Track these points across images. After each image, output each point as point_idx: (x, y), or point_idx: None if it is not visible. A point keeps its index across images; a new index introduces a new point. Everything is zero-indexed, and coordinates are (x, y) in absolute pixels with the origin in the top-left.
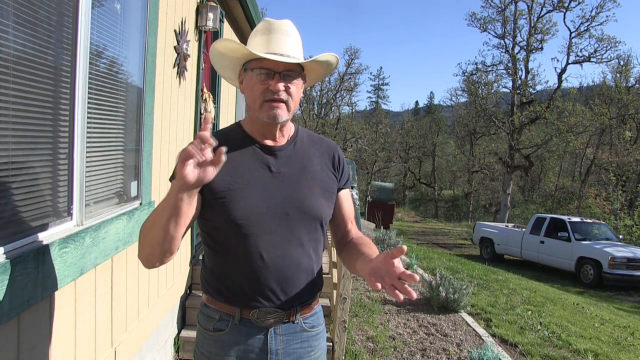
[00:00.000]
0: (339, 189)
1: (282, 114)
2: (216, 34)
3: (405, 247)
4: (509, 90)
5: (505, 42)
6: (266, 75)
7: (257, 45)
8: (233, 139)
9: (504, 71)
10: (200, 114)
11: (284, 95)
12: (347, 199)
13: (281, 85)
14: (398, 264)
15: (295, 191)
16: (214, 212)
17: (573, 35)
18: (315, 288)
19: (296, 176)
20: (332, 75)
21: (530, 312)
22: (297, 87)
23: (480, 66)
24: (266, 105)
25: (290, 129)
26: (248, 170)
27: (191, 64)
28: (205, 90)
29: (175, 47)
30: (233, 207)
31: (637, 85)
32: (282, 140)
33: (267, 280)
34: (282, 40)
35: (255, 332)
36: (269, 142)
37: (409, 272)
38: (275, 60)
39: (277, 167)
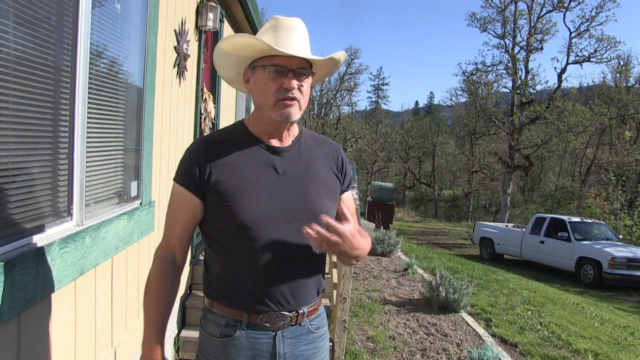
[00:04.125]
0: (342, 191)
1: (295, 112)
2: (216, 34)
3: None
4: (509, 90)
5: (505, 42)
6: (279, 72)
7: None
8: (236, 138)
9: (504, 71)
10: (200, 114)
11: (297, 94)
12: (349, 200)
13: (295, 83)
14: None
15: (303, 193)
16: (219, 216)
17: (573, 35)
18: (320, 289)
19: (302, 177)
20: (332, 75)
21: (530, 312)
22: (307, 86)
23: (480, 66)
24: (280, 104)
25: (295, 129)
26: (254, 171)
27: (191, 64)
28: (205, 90)
29: (175, 47)
30: (240, 210)
31: (637, 85)
32: (287, 141)
33: (277, 283)
34: (292, 38)
35: (263, 336)
36: (274, 143)
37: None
38: (288, 58)
39: (283, 168)
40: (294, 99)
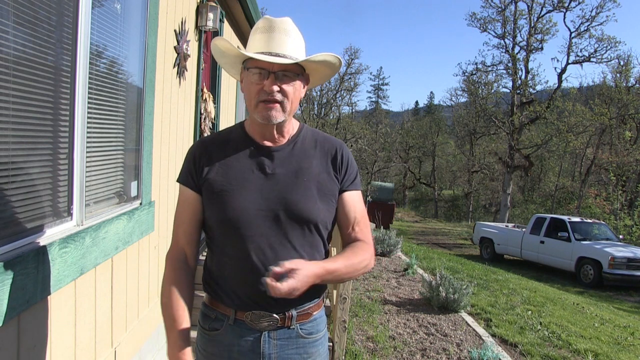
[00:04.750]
0: (343, 191)
1: (277, 115)
2: (216, 34)
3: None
4: (509, 90)
5: (505, 42)
6: (261, 75)
7: (255, 44)
8: (233, 139)
9: (504, 71)
10: (200, 114)
11: (278, 96)
12: (352, 201)
13: (275, 87)
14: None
15: (288, 193)
16: (209, 212)
17: (573, 35)
18: (313, 294)
19: (291, 178)
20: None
21: (530, 312)
22: (294, 88)
23: (480, 66)
24: (260, 106)
25: (292, 129)
26: (241, 171)
27: (191, 64)
28: (205, 90)
29: (175, 47)
30: (225, 208)
31: (637, 85)
32: (281, 141)
33: (257, 283)
34: (281, 39)
35: (249, 334)
36: (267, 143)
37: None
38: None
39: (272, 168)
40: (274, 101)
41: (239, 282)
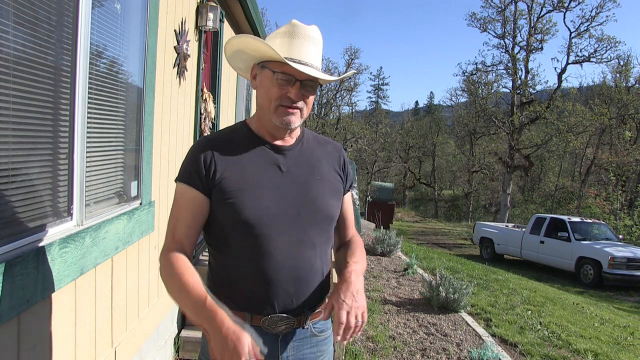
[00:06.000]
0: (345, 192)
1: (296, 120)
2: (216, 34)
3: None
4: (509, 90)
5: (505, 42)
6: (286, 81)
7: (279, 48)
8: (239, 138)
9: (504, 71)
10: (200, 114)
11: (300, 104)
12: (349, 202)
13: (300, 94)
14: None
15: (307, 191)
16: (222, 213)
17: (573, 35)
18: (324, 291)
19: (306, 176)
20: None
21: (530, 312)
22: (313, 96)
23: (480, 66)
24: (281, 110)
25: (297, 129)
26: (258, 170)
27: (191, 64)
28: (205, 90)
29: (175, 47)
30: (243, 208)
31: (637, 85)
32: (290, 140)
33: (281, 282)
34: (306, 47)
35: (266, 339)
36: (277, 142)
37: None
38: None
39: (286, 166)
40: (296, 107)
41: (258, 284)
